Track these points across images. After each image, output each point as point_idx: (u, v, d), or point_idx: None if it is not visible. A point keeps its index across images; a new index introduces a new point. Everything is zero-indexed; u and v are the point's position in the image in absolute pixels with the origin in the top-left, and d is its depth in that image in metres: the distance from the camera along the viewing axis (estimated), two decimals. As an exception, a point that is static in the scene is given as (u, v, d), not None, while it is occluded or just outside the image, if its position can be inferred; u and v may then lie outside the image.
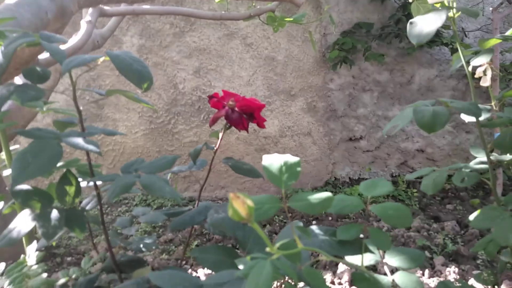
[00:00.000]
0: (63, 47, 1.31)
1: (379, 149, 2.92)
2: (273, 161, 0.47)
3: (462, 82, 2.89)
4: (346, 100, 2.88)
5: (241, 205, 0.31)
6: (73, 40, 1.48)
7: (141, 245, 0.79)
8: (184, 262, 1.50)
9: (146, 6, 1.66)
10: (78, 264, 1.53)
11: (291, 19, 2.03)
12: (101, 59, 0.54)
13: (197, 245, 1.72)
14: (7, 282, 0.55)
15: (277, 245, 0.34)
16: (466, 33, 2.86)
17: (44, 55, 1.21)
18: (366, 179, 2.91)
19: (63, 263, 1.61)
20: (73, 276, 0.64)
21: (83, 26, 1.51)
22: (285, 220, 2.25)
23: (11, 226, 0.54)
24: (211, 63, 2.75)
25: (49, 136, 0.50)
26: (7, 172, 0.60)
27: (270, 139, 2.80)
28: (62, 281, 0.63)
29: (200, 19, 2.59)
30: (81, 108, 0.62)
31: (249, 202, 0.31)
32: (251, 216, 0.31)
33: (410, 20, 0.59)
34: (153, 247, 0.80)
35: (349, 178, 2.88)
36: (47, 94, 1.56)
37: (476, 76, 0.77)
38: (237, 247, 0.97)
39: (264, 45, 2.78)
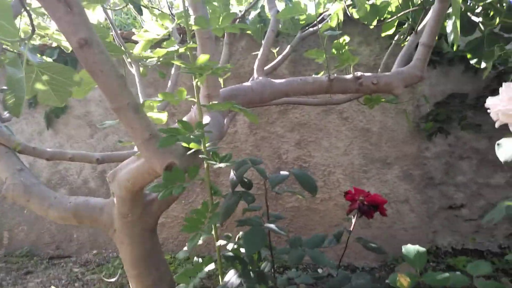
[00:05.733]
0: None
1: (483, 218, 2.85)
2: (409, 250, 0.71)
3: None
4: (443, 168, 2.94)
5: (405, 281, 0.56)
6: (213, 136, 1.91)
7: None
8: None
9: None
10: None
11: (384, 100, 2.29)
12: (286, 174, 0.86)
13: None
14: None
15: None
16: None
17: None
18: (471, 250, 2.85)
19: None
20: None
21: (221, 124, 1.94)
22: None
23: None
24: (311, 136, 3.09)
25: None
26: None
27: (368, 205, 2.95)
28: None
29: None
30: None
31: (408, 279, 0.56)
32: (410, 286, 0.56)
33: (498, 142, 0.81)
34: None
35: (452, 248, 2.85)
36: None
37: None
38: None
39: (359, 118, 3.05)
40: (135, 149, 2.21)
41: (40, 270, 2.95)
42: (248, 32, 3.07)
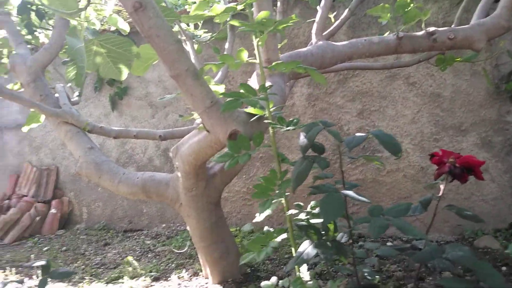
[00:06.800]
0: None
1: None
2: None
3: None
4: (530, 133, 2.61)
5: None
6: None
7: (366, 274, 0.98)
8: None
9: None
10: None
11: (459, 59, 2.05)
12: (366, 135, 0.77)
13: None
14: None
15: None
16: None
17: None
18: None
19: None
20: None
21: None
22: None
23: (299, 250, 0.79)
24: (374, 105, 2.90)
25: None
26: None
27: (440, 176, 2.73)
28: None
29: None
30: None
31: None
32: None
33: None
34: (376, 276, 0.97)
35: (542, 220, 2.55)
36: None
37: None
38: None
39: (428, 82, 2.79)
40: (195, 124, 2.22)
41: (116, 242, 3.16)
42: (303, -2, 2.91)
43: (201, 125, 1.49)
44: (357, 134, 0.79)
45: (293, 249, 0.88)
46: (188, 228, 1.93)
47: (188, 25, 2.72)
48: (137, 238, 3.22)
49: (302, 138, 0.79)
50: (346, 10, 2.16)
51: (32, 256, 2.91)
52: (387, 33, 2.09)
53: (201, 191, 1.82)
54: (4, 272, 2.54)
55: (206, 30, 2.86)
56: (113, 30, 3.53)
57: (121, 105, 3.67)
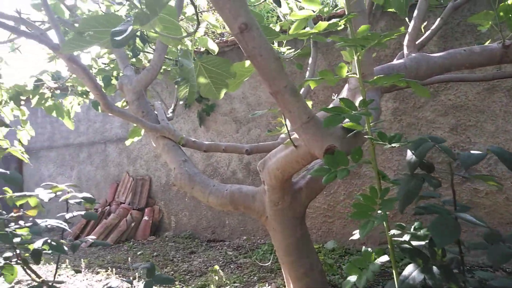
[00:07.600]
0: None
1: None
2: None
3: None
4: None
5: None
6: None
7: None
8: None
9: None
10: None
11: None
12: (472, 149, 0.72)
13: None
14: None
15: None
16: None
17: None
18: None
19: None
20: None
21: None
22: None
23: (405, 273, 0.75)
24: (470, 119, 2.67)
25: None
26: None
27: (554, 200, 2.39)
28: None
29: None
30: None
31: None
32: None
33: None
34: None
35: None
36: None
37: None
38: None
39: (537, 94, 2.50)
40: (279, 139, 2.26)
41: (201, 251, 3.31)
42: (389, 10, 2.83)
43: (287, 140, 1.51)
44: (473, 151, 0.73)
45: (394, 272, 0.83)
46: (272, 242, 1.94)
47: (272, 42, 2.81)
48: (220, 249, 3.34)
49: (410, 155, 0.76)
50: (438, 19, 2.04)
51: (129, 259, 3.17)
52: (488, 41, 1.92)
53: (286, 205, 1.83)
54: (107, 271, 2.82)
55: (290, 47, 2.92)
56: (203, 50, 3.79)
57: (208, 121, 3.89)
